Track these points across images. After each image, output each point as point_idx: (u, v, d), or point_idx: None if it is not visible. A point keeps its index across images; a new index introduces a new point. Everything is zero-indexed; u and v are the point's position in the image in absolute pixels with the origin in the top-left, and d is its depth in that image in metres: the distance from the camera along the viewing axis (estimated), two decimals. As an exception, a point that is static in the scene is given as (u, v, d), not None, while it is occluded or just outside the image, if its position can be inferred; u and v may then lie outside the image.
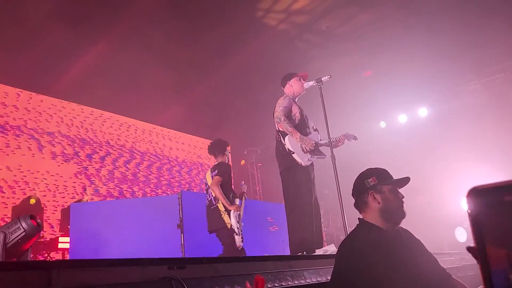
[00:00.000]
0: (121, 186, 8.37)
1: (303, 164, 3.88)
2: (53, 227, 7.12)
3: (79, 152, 7.88)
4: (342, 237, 8.12)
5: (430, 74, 8.17)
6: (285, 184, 3.97)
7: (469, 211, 0.53)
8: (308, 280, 2.15)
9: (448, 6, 6.66)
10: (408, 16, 6.94)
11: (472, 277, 4.00)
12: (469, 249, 0.55)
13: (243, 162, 11.09)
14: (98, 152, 8.20)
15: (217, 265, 1.84)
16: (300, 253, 3.63)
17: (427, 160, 8.48)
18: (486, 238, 0.48)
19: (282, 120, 3.94)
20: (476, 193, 0.52)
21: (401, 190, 2.12)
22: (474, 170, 7.87)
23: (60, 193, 7.42)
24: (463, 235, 6.67)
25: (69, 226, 5.67)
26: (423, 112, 9.56)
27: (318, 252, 3.68)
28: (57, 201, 7.33)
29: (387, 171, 2.17)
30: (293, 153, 3.87)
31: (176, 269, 1.70)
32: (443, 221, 7.49)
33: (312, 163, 4.04)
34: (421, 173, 7.45)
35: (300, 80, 4.28)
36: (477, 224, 0.50)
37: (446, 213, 7.75)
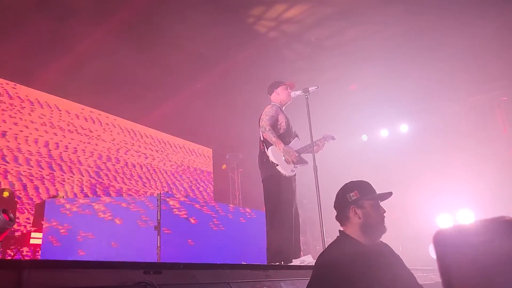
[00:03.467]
0: (99, 185, 8.21)
1: (286, 175, 3.90)
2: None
3: (57, 146, 7.70)
4: (319, 247, 8.16)
5: (413, 91, 8.34)
6: (266, 193, 3.97)
7: (436, 253, 0.52)
8: (284, 291, 2.14)
9: (433, 29, 6.83)
10: (394, 35, 7.07)
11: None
12: None
13: (224, 166, 11.04)
14: (78, 148, 8.03)
15: (194, 271, 1.82)
16: (277, 262, 3.62)
17: (405, 175, 8.61)
18: (453, 279, 0.48)
19: (267, 129, 3.94)
20: (443, 235, 0.52)
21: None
22: (451, 188, 8.04)
23: (35, 187, 7.23)
24: (437, 251, 6.75)
25: (42, 222, 5.52)
26: (404, 128, 9.74)
27: (295, 262, 3.67)
28: (31, 195, 7.15)
29: (370, 185, 2.16)
30: (277, 165, 3.88)
31: (152, 274, 1.67)
32: (417, 237, 7.59)
33: (294, 173, 4.05)
34: (399, 188, 7.56)
35: (287, 89, 4.31)
36: (444, 265, 0.50)
37: (420, 229, 7.86)
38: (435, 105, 8.99)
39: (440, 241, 0.48)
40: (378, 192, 2.13)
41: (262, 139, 4.04)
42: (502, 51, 7.19)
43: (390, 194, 2.11)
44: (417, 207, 8.28)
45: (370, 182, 2.19)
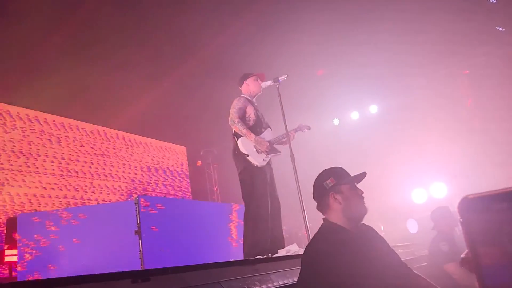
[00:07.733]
0: (74, 193, 7.98)
1: (258, 165, 3.88)
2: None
3: (26, 157, 7.42)
4: (301, 234, 8.24)
5: (378, 71, 8.47)
6: (241, 185, 3.95)
7: (461, 218, 0.55)
8: (275, 283, 2.14)
9: (389, 6, 6.97)
10: (353, 17, 7.15)
11: (427, 267, 4.18)
12: (462, 260, 0.57)
13: (199, 163, 10.96)
14: (49, 157, 7.76)
15: (183, 274, 1.78)
16: (254, 256, 3.56)
17: (379, 154, 8.79)
18: (477, 241, 0.51)
19: (236, 122, 3.93)
20: (467, 202, 0.54)
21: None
22: (423, 163, 8.27)
23: (6, 202, 6.95)
24: (415, 226, 6.95)
25: (16, 238, 5.32)
26: (373, 109, 9.91)
27: (281, 252, 3.68)
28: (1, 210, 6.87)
29: (344, 169, 2.20)
30: (248, 155, 3.86)
31: (140, 282, 1.62)
32: (395, 213, 7.78)
33: (269, 163, 4.04)
34: (374, 167, 7.70)
35: (257, 80, 4.28)
36: (469, 229, 0.53)
37: (397, 206, 8.07)
38: (401, 83, 9.17)
39: (465, 207, 0.50)
40: (352, 174, 2.15)
41: (233, 132, 4.02)
42: (462, 25, 7.36)
43: (364, 174, 2.14)
44: (393, 184, 8.47)
45: (344, 166, 2.22)
